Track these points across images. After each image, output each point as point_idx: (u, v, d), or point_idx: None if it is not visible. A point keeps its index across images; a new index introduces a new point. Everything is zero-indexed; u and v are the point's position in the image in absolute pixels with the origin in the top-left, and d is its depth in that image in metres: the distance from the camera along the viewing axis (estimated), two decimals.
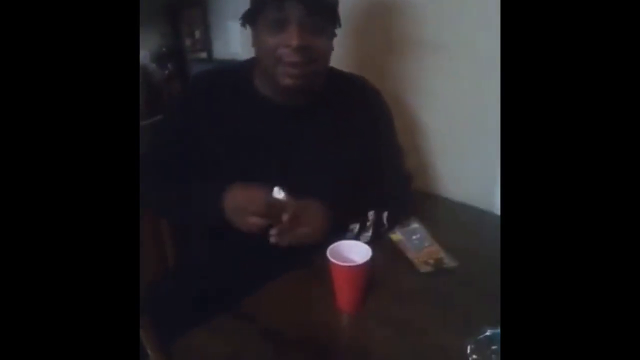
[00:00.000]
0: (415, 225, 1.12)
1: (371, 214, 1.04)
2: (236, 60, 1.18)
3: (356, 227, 1.02)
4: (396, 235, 1.08)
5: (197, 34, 1.84)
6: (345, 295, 0.90)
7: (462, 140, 1.30)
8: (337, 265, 0.86)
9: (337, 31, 1.03)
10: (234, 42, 1.78)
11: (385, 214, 1.06)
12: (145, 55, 1.78)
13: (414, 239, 1.07)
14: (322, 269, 0.90)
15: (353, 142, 1.10)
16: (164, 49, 1.81)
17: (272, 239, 0.95)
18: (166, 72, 1.78)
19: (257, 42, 1.02)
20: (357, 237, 1.01)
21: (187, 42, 1.83)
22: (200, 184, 1.04)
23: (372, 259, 0.87)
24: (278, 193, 0.93)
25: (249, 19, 1.01)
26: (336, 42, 1.04)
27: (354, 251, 0.90)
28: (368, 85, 1.16)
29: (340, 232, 0.95)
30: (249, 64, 1.09)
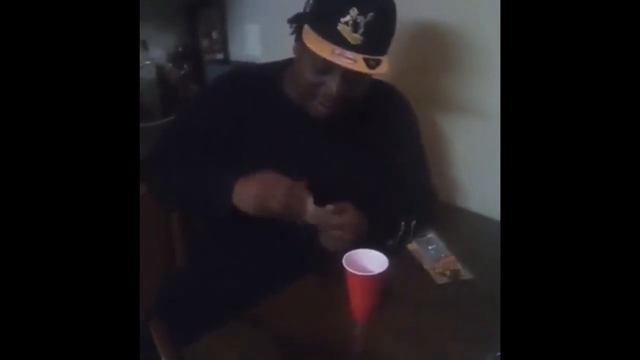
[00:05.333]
0: (430, 235, 1.10)
1: (402, 224, 1.03)
2: (262, 63, 1.15)
3: (391, 241, 1.01)
4: (412, 245, 1.07)
5: (214, 34, 1.83)
6: (359, 305, 0.88)
7: (482, 151, 1.29)
8: (353, 274, 0.85)
9: None
10: (252, 44, 1.78)
11: (413, 223, 1.05)
12: (161, 54, 1.78)
13: (430, 249, 1.06)
14: (336, 276, 0.88)
15: (380, 149, 1.09)
16: (180, 49, 1.81)
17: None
18: (182, 72, 1.78)
19: (298, 60, 0.99)
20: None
21: (204, 42, 1.82)
22: (211, 172, 0.98)
23: (389, 269, 0.86)
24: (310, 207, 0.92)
25: (300, 28, 0.96)
26: None
27: (369, 260, 0.89)
28: (397, 94, 1.14)
29: (377, 245, 0.92)
30: (280, 67, 1.07)
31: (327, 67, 0.91)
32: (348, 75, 0.91)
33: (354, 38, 0.88)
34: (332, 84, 0.93)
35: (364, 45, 0.88)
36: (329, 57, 0.88)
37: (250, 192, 0.91)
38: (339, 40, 0.88)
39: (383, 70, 0.91)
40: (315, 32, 0.91)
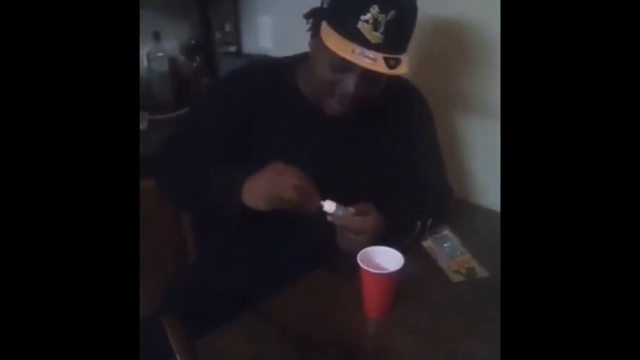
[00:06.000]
0: (446, 232, 1.08)
1: (419, 224, 1.01)
2: (272, 57, 1.13)
3: (405, 241, 0.99)
4: (427, 242, 1.05)
5: (227, 27, 1.82)
6: (374, 302, 0.87)
7: (498, 148, 1.27)
8: (368, 272, 0.83)
9: None
10: (265, 36, 1.76)
11: (429, 222, 1.04)
12: (174, 47, 1.78)
13: (446, 247, 1.04)
14: (349, 272, 0.87)
15: (396, 145, 1.07)
16: (193, 41, 1.81)
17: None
18: (195, 64, 1.77)
19: (315, 57, 0.96)
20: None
21: (217, 35, 1.81)
22: (219, 172, 0.94)
23: (404, 267, 0.84)
24: (328, 205, 0.89)
25: (318, 24, 0.93)
26: None
27: (384, 257, 0.88)
28: (413, 89, 1.12)
29: (393, 244, 0.90)
30: (295, 62, 1.04)
31: (346, 66, 0.89)
32: (367, 75, 0.89)
33: (375, 37, 0.86)
34: (350, 83, 0.90)
35: (385, 44, 0.86)
36: (348, 57, 0.86)
37: (260, 186, 0.88)
38: (359, 39, 0.86)
39: (403, 69, 0.89)
40: (334, 30, 0.88)
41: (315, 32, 0.94)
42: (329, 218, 0.91)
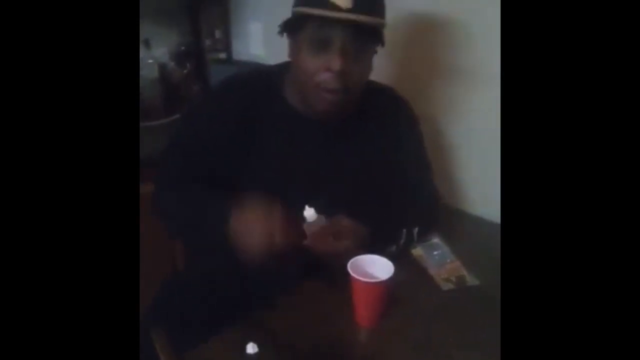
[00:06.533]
0: (435, 240, 1.09)
1: (404, 232, 1.01)
2: (264, 65, 1.13)
3: (393, 248, 0.99)
4: (416, 250, 1.05)
5: (218, 33, 1.82)
6: (364, 311, 0.87)
7: (487, 155, 1.27)
8: (358, 280, 0.83)
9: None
10: (255, 43, 1.76)
11: (415, 230, 1.04)
12: (164, 53, 1.77)
13: (435, 255, 1.04)
14: (340, 281, 0.87)
15: (383, 152, 1.07)
16: (183, 48, 1.80)
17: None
18: (185, 71, 1.77)
19: (295, 57, 0.98)
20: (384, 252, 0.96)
21: (207, 41, 1.81)
22: (208, 196, 0.95)
23: (394, 275, 0.84)
24: (308, 212, 0.89)
25: (289, 30, 0.97)
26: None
27: (374, 265, 0.88)
28: (397, 96, 1.13)
29: (379, 252, 0.90)
30: (280, 70, 1.05)
31: (325, 39, 0.91)
32: (348, 47, 0.91)
33: (345, 1, 0.88)
34: (334, 60, 0.91)
35: (356, 7, 0.89)
36: (324, 14, 0.88)
37: (247, 226, 0.86)
38: (331, 7, 0.89)
39: (381, 22, 0.92)
40: (306, 8, 0.91)
41: (291, 30, 0.97)
42: (305, 226, 0.90)
